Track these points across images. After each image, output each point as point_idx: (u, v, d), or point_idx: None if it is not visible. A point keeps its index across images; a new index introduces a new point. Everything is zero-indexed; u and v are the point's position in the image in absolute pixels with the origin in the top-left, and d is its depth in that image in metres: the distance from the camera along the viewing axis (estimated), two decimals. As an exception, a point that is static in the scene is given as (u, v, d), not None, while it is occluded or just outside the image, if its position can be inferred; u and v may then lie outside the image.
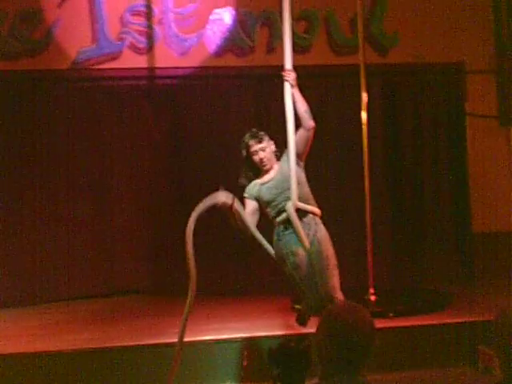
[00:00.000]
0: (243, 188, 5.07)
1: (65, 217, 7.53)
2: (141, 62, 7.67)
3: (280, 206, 4.92)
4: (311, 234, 4.88)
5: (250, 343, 5.53)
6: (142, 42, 7.65)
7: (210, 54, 7.74)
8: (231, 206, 4.74)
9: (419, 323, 5.88)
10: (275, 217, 4.95)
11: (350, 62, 7.35)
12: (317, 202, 5.04)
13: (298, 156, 4.94)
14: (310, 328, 3.04)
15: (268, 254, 4.95)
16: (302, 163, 5.02)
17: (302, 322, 5.13)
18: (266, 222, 5.07)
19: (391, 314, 6.01)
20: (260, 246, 4.94)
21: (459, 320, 5.89)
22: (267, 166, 5.02)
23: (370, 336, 2.55)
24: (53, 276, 7.44)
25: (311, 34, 7.83)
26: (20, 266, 7.39)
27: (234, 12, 7.72)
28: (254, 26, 7.74)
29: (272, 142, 5.08)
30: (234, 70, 7.78)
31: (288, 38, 5.05)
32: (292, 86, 4.96)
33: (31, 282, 7.39)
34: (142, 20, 7.65)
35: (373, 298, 6.41)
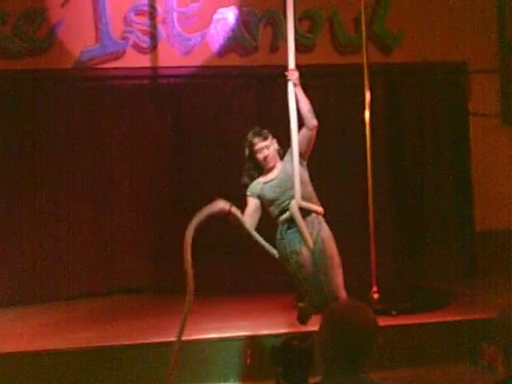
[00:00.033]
0: (245, 187, 5.08)
1: (65, 216, 7.53)
2: (144, 61, 7.68)
3: (283, 204, 4.93)
4: (315, 233, 4.90)
5: (253, 341, 5.54)
6: (145, 41, 7.65)
7: (213, 53, 7.74)
8: (229, 212, 4.75)
9: (422, 321, 5.90)
10: (278, 216, 4.96)
11: (353, 62, 7.35)
12: (320, 200, 5.05)
13: (301, 155, 4.95)
14: (313, 326, 3.05)
15: (269, 254, 4.96)
16: (304, 162, 5.03)
17: (303, 320, 5.14)
18: (265, 222, 5.08)
19: (394, 312, 6.02)
20: (261, 247, 4.95)
21: (461, 318, 5.90)
22: (271, 164, 5.02)
23: (373, 334, 2.56)
24: (53, 275, 7.43)
25: (315, 33, 7.84)
26: (20, 266, 7.38)
27: (237, 11, 7.72)
28: (258, 25, 7.75)
29: (275, 141, 5.09)
30: (237, 69, 7.79)
31: (291, 38, 5.05)
32: (295, 85, 4.97)
33: (31, 281, 7.38)
34: (145, 19, 7.65)
35: (375, 296, 6.41)
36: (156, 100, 7.76)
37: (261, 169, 5.07)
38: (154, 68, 7.75)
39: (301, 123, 4.97)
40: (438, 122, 8.04)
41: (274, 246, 4.95)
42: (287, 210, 4.90)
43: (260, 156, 5.00)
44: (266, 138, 5.01)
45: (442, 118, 8.05)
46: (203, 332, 5.68)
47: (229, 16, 7.73)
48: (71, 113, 7.58)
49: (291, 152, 4.97)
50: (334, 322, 2.58)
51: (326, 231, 4.95)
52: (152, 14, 7.65)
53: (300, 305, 5.19)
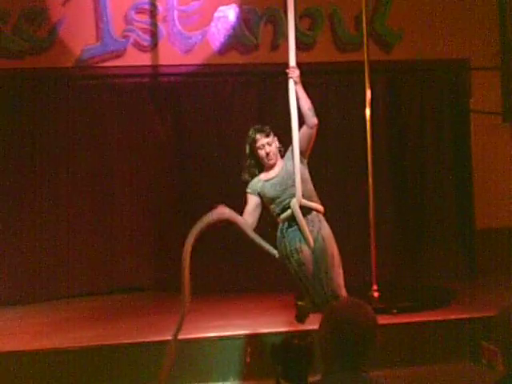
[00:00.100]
0: (245, 183, 5.07)
1: (66, 215, 7.54)
2: (145, 59, 7.68)
3: (284, 202, 4.92)
4: (315, 231, 4.89)
5: (253, 340, 5.54)
6: (146, 39, 7.65)
7: (214, 51, 7.74)
8: (228, 220, 4.76)
9: (422, 319, 5.90)
10: (279, 214, 4.95)
11: (354, 59, 7.35)
12: (320, 199, 5.04)
13: (302, 153, 4.94)
14: (313, 325, 3.06)
15: (270, 254, 4.96)
16: (305, 160, 5.02)
17: (301, 319, 5.15)
18: (265, 221, 5.07)
19: (394, 311, 6.03)
20: (262, 248, 4.95)
21: (462, 316, 5.90)
22: (272, 161, 5.01)
23: (373, 332, 2.55)
24: (53, 274, 7.44)
25: (315, 31, 7.84)
26: (21, 265, 7.39)
27: (238, 9, 7.72)
28: (258, 23, 7.75)
29: (276, 138, 5.09)
30: (238, 67, 7.79)
31: (292, 35, 5.04)
32: (296, 83, 4.96)
33: (32, 280, 7.39)
34: (146, 18, 7.65)
35: (376, 294, 6.42)
36: (156, 98, 7.76)
37: (261, 166, 5.07)
38: (155, 66, 7.74)
39: (301, 121, 4.96)
40: (438, 120, 8.03)
41: (274, 245, 4.95)
42: (288, 208, 4.89)
43: (262, 152, 4.99)
44: (268, 135, 5.00)
45: (443, 116, 8.04)
46: (203, 331, 5.69)
47: (229, 14, 7.72)
48: (72, 111, 7.58)
49: (292, 150, 4.97)
50: (333, 321, 2.58)
51: (326, 230, 4.95)
52: (152, 12, 7.65)
53: (299, 303, 5.19)
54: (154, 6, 7.64)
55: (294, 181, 4.87)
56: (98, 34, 7.59)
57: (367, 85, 6.55)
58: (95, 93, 7.64)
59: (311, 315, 5.02)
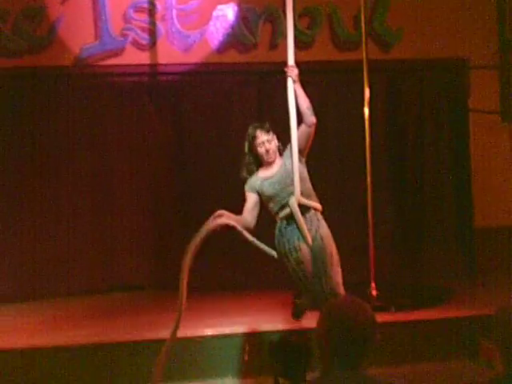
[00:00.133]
0: (243, 181, 5.07)
1: (65, 213, 7.54)
2: (144, 58, 7.68)
3: (283, 201, 4.92)
4: (313, 230, 4.90)
5: (252, 338, 5.55)
6: (144, 38, 7.65)
7: (212, 50, 7.74)
8: (226, 226, 4.78)
9: (420, 317, 5.91)
10: (278, 212, 4.96)
11: (352, 58, 7.34)
12: (319, 197, 5.05)
13: (300, 152, 4.94)
14: (311, 323, 3.06)
15: (268, 255, 4.97)
16: (303, 159, 5.02)
17: (298, 316, 5.16)
18: (264, 221, 5.08)
19: (393, 309, 6.04)
20: (260, 249, 4.97)
21: (460, 314, 5.91)
22: (272, 159, 5.01)
23: (371, 330, 2.56)
24: (52, 272, 7.45)
25: (314, 29, 7.83)
26: (20, 262, 7.40)
27: (236, 8, 7.72)
28: (257, 22, 7.74)
29: (275, 136, 5.09)
30: (236, 66, 7.79)
31: (291, 34, 5.05)
32: (294, 81, 4.97)
33: (31, 277, 7.40)
34: (144, 16, 7.65)
35: (374, 292, 6.42)
36: (155, 97, 7.76)
37: (259, 163, 5.07)
38: (154, 65, 7.74)
39: (300, 120, 4.97)
40: (437, 119, 8.04)
41: (273, 244, 4.95)
42: (287, 206, 4.90)
43: (262, 150, 4.98)
44: (268, 132, 5.00)
45: (442, 115, 8.04)
46: (201, 328, 5.69)
47: (228, 13, 7.72)
48: (71, 110, 7.59)
49: (290, 148, 4.97)
50: (332, 318, 2.58)
51: (324, 228, 4.96)
52: (151, 10, 7.65)
53: (296, 301, 5.21)
54: (152, 4, 7.64)
55: (292, 179, 4.87)
56: (97, 32, 7.58)
57: (366, 84, 6.55)
58: (94, 91, 7.64)
59: (309, 313, 5.03)
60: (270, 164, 5.03)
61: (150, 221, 7.70)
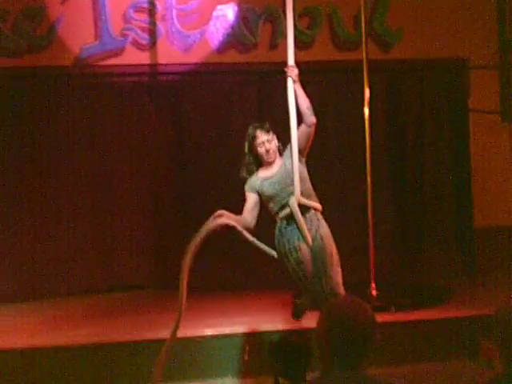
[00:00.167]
0: (243, 181, 5.07)
1: (65, 212, 7.54)
2: (144, 58, 7.67)
3: (283, 201, 4.92)
4: (313, 230, 4.90)
5: (252, 338, 5.54)
6: (144, 38, 7.65)
7: (212, 50, 7.74)
8: (226, 226, 4.78)
9: (420, 317, 5.91)
10: (278, 212, 4.96)
11: (352, 58, 7.34)
12: (319, 198, 5.05)
13: (300, 152, 4.94)
14: (312, 323, 3.06)
15: (268, 255, 4.97)
16: (303, 159, 5.02)
17: (298, 316, 5.16)
18: (264, 221, 5.08)
19: (393, 309, 6.04)
20: (260, 250, 4.97)
21: (460, 314, 5.91)
22: (272, 159, 5.01)
23: (371, 330, 2.56)
24: (52, 272, 7.45)
25: (314, 29, 7.83)
26: (20, 262, 7.40)
27: (236, 8, 7.71)
28: (257, 22, 7.74)
29: (275, 136, 5.08)
30: (236, 66, 7.78)
31: (291, 34, 5.05)
32: (294, 81, 4.97)
33: (31, 277, 7.40)
34: (144, 16, 7.65)
35: (374, 292, 6.41)
36: (155, 97, 7.76)
37: (259, 163, 5.07)
38: (154, 65, 7.74)
39: (300, 120, 4.97)
40: (437, 119, 8.04)
41: (272, 243, 4.95)
42: (287, 206, 4.90)
43: (262, 150, 4.98)
44: (268, 132, 5.00)
45: (442, 115, 8.04)
46: (202, 328, 5.68)
47: (228, 13, 7.72)
48: (71, 110, 7.59)
49: (290, 148, 4.97)
50: (332, 318, 2.58)
51: (324, 228, 4.96)
52: (151, 10, 7.64)
53: (296, 301, 5.21)
54: (152, 4, 7.63)
55: (292, 179, 4.87)
56: (97, 32, 7.58)
57: (366, 84, 6.55)
58: (94, 91, 7.64)
59: (309, 313, 5.03)
60: (269, 164, 5.03)
61: (149, 220, 7.70)
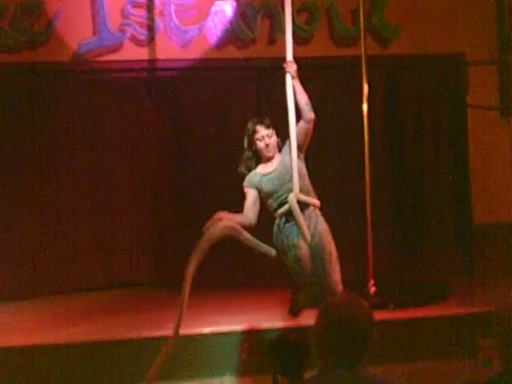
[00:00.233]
0: (242, 177, 5.06)
1: (65, 210, 7.53)
2: (142, 53, 7.65)
3: (282, 197, 4.92)
4: (312, 227, 4.90)
5: (250, 335, 5.54)
6: (142, 33, 7.63)
7: (211, 45, 7.72)
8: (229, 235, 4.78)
9: (419, 315, 5.90)
10: (277, 209, 4.95)
11: (351, 54, 7.32)
12: (317, 194, 5.04)
13: (299, 148, 4.94)
14: (310, 320, 3.05)
15: (268, 255, 4.97)
16: (302, 155, 5.01)
17: (295, 312, 5.16)
18: (264, 220, 5.07)
19: (391, 306, 6.02)
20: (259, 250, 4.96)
21: (459, 312, 5.90)
22: (271, 153, 5.00)
23: (369, 328, 2.56)
24: (52, 269, 7.44)
25: (312, 25, 7.80)
26: (20, 260, 7.39)
27: (235, 4, 7.69)
28: (256, 17, 7.71)
29: (274, 132, 5.08)
30: (235, 61, 7.76)
31: (289, 30, 5.05)
32: (293, 77, 4.96)
33: (31, 275, 7.39)
34: (142, 12, 7.62)
35: (372, 290, 6.39)
36: (154, 93, 7.75)
37: (258, 159, 5.06)
38: (152, 60, 7.72)
39: (298, 116, 4.96)
40: (436, 115, 8.02)
41: (271, 241, 4.95)
42: (285, 202, 4.89)
43: (261, 144, 4.97)
44: (268, 127, 5.00)
45: (441, 111, 8.03)
46: (200, 326, 5.68)
47: (226, 8, 7.69)
48: (69, 105, 7.57)
49: (289, 144, 4.96)
50: (330, 316, 2.58)
51: (323, 225, 4.95)
52: (149, 6, 7.62)
53: (294, 297, 5.20)
54: (150, 0, 7.62)
55: (291, 175, 4.87)
56: (95, 27, 7.55)
57: (364, 79, 6.53)
58: (92, 87, 7.62)
59: (308, 311, 5.02)
60: (269, 160, 5.02)
61: (149, 218, 7.69)
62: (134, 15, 7.61)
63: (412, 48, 7.87)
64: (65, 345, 5.51)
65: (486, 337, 5.44)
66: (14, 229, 7.39)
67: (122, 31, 7.60)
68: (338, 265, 4.90)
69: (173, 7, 7.63)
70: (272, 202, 4.98)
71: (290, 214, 4.89)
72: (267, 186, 4.96)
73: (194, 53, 7.70)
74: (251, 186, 5.02)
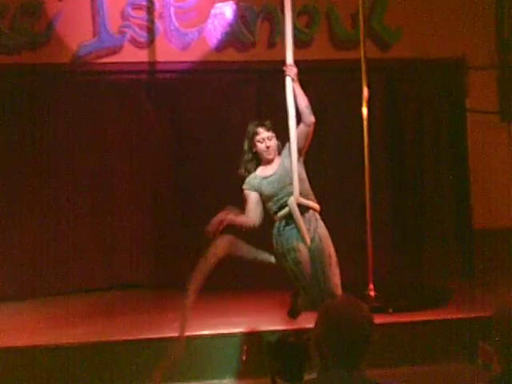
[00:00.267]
0: (242, 179, 5.06)
1: (65, 210, 7.53)
2: (141, 56, 7.66)
3: (282, 200, 4.91)
4: (312, 230, 4.89)
5: (250, 338, 5.53)
6: (142, 35, 7.63)
7: (210, 48, 7.72)
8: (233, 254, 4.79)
9: (419, 319, 5.89)
10: (276, 212, 4.95)
11: (351, 57, 7.32)
12: (317, 197, 5.04)
13: (298, 151, 4.93)
14: (309, 323, 3.04)
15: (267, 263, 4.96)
16: (301, 159, 5.00)
17: (294, 315, 5.15)
18: (264, 222, 5.07)
19: (391, 310, 6.02)
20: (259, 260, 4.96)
21: (459, 316, 5.89)
22: (271, 156, 4.99)
23: (368, 330, 2.55)
24: (52, 270, 7.44)
25: (312, 28, 7.81)
26: (20, 261, 7.39)
27: (235, 6, 7.70)
28: (255, 20, 7.72)
29: (275, 135, 5.07)
30: (235, 64, 7.77)
31: (289, 33, 5.05)
32: (293, 80, 4.96)
33: (31, 275, 7.40)
34: (142, 14, 7.64)
35: (372, 293, 6.40)
36: (153, 95, 7.75)
37: (258, 161, 5.05)
38: (152, 63, 7.73)
39: (298, 119, 4.95)
40: (435, 119, 8.03)
41: (271, 244, 4.94)
42: (285, 206, 4.89)
43: (262, 146, 4.97)
44: (268, 129, 5.00)
45: (440, 115, 8.04)
46: (200, 328, 5.66)
47: (226, 11, 7.70)
48: (69, 107, 7.58)
49: (289, 148, 4.96)
50: (329, 319, 2.57)
51: (322, 229, 4.95)
52: (149, 8, 7.63)
53: (293, 299, 5.19)
54: (150, 2, 7.62)
55: (291, 179, 4.86)
56: (95, 29, 7.56)
57: (364, 83, 6.54)
58: (92, 89, 7.62)
59: (307, 313, 5.01)
60: (268, 162, 5.01)
61: (149, 219, 7.69)
62: (134, 17, 7.62)
63: (412, 52, 7.88)
64: (65, 345, 5.49)
65: (486, 340, 5.43)
66: (14, 229, 7.39)
67: (122, 33, 7.61)
68: (338, 268, 4.90)
69: (173, 9, 7.64)
70: (272, 205, 4.97)
71: (289, 217, 4.89)
72: (267, 189, 4.96)
73: (193, 55, 7.71)
74: (251, 188, 5.02)
